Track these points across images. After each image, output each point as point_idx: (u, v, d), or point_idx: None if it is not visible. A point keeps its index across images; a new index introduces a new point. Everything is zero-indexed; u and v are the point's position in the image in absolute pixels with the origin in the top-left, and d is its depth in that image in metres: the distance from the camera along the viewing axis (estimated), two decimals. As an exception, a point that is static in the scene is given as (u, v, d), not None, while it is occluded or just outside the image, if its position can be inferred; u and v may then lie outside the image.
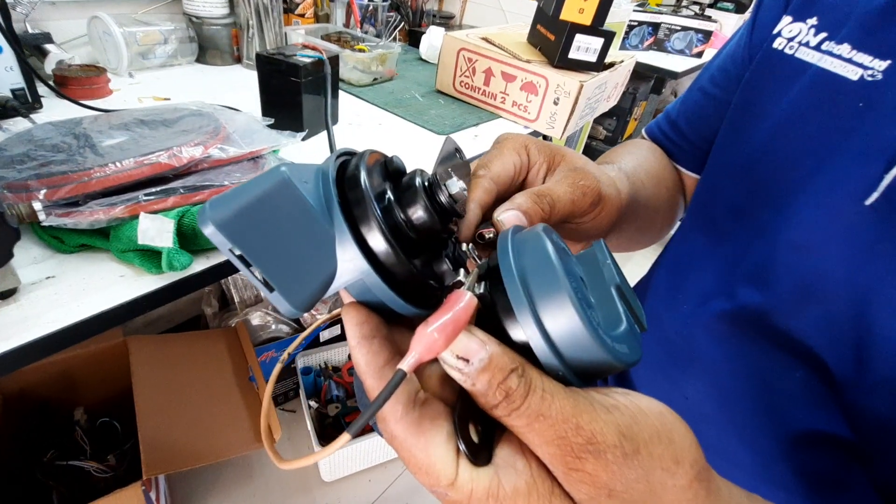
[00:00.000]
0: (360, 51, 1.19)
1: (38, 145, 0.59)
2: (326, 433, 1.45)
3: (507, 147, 0.37)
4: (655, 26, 2.19)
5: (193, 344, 1.29)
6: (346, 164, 0.27)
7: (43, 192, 0.53)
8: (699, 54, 2.23)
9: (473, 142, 1.05)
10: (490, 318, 0.25)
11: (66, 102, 0.86)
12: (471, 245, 0.32)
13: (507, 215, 0.32)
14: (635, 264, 2.59)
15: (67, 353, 1.14)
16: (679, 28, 2.19)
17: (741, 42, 0.56)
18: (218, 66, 1.20)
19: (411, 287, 0.26)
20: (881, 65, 0.40)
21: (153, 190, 0.58)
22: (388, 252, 0.25)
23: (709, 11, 2.40)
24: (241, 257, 0.20)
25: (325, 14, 1.45)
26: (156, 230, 0.55)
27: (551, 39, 1.07)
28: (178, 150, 0.60)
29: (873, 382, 0.40)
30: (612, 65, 1.17)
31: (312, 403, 1.47)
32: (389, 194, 0.27)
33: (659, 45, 2.25)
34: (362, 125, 1.03)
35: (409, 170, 0.30)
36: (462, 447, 0.23)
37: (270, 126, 0.74)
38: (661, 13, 2.20)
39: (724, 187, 0.53)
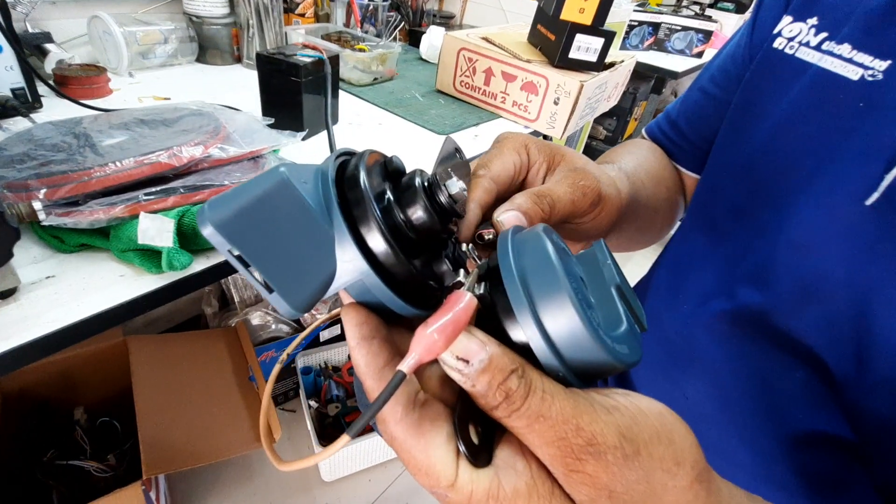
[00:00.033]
0: (361, 50, 1.19)
1: (38, 145, 0.59)
2: (326, 433, 1.45)
3: (507, 146, 0.37)
4: (656, 26, 2.19)
5: (193, 344, 1.29)
6: (346, 165, 0.27)
7: (43, 191, 0.53)
8: (699, 54, 2.23)
9: (473, 141, 1.05)
10: (490, 318, 0.25)
11: (66, 102, 0.85)
12: (471, 245, 0.32)
13: (507, 216, 0.32)
14: (635, 264, 2.59)
15: (67, 352, 1.14)
16: (679, 28, 2.19)
17: (741, 42, 0.56)
18: (218, 65, 1.20)
19: (411, 288, 0.26)
20: (882, 65, 0.40)
21: (153, 189, 0.58)
22: (387, 252, 0.25)
23: (709, 11, 2.41)
24: (240, 258, 0.20)
25: (325, 14, 1.45)
26: (156, 230, 0.55)
27: (552, 39, 1.07)
28: (179, 150, 0.60)
29: (873, 382, 0.40)
30: (612, 65, 1.16)
31: (312, 403, 1.47)
32: (389, 194, 0.27)
33: (659, 45, 2.25)
34: (362, 125, 1.03)
35: (408, 170, 0.30)
36: (462, 448, 0.23)
37: (270, 126, 0.74)
38: (662, 13, 2.20)
39: (725, 187, 0.53)
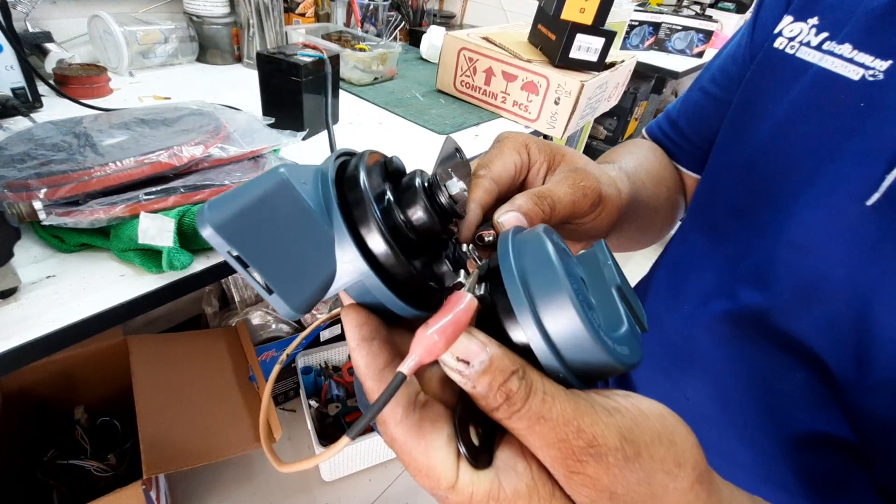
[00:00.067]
0: (361, 50, 1.19)
1: (38, 144, 0.59)
2: (327, 433, 1.45)
3: (507, 146, 0.37)
4: (656, 26, 2.19)
5: (194, 343, 1.29)
6: (346, 165, 0.27)
7: (43, 191, 0.53)
8: (700, 54, 2.23)
9: (474, 141, 1.05)
10: (490, 319, 0.25)
11: (67, 101, 0.86)
12: (471, 246, 0.32)
13: (508, 217, 0.32)
14: (635, 264, 2.59)
15: (67, 352, 1.14)
16: (680, 28, 2.19)
17: (742, 42, 0.56)
18: (218, 65, 1.20)
19: (411, 288, 0.26)
20: (882, 65, 0.40)
21: (153, 189, 0.58)
22: (387, 253, 0.24)
23: (709, 11, 2.41)
24: (239, 259, 0.20)
25: (325, 13, 1.45)
26: (156, 229, 0.55)
27: (552, 39, 1.07)
28: (179, 150, 0.60)
29: (874, 383, 0.40)
30: (612, 64, 1.16)
31: (313, 403, 1.47)
32: (389, 195, 0.27)
33: (660, 45, 2.25)
34: (363, 125, 1.03)
35: (409, 170, 0.30)
36: (462, 450, 0.23)
37: (271, 125, 0.73)
38: (662, 13, 2.20)
39: (725, 187, 0.53)
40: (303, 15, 1.35)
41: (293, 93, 0.85)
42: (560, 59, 1.05)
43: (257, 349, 1.39)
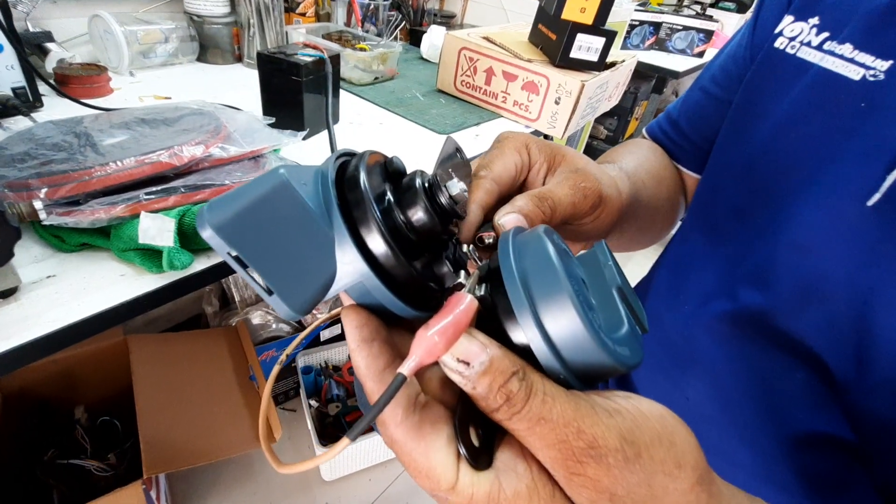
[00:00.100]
0: (362, 50, 1.19)
1: (38, 144, 0.59)
2: (327, 432, 1.45)
3: (508, 146, 0.37)
4: (657, 26, 2.19)
5: (194, 343, 1.29)
6: (346, 166, 0.27)
7: (44, 190, 0.53)
8: (700, 54, 2.23)
9: (474, 141, 1.05)
10: (491, 320, 0.25)
11: (67, 101, 0.86)
12: (471, 246, 0.32)
13: (508, 218, 0.32)
14: (636, 264, 2.59)
15: (68, 351, 1.14)
16: (680, 28, 2.19)
17: (742, 42, 0.56)
18: (219, 64, 1.20)
19: (411, 289, 0.26)
20: (883, 65, 0.40)
21: (154, 189, 0.58)
22: (387, 254, 0.24)
23: (710, 11, 2.40)
24: (239, 261, 0.20)
25: (326, 13, 1.45)
26: (156, 229, 0.55)
27: (553, 39, 1.07)
28: (179, 149, 0.60)
29: (874, 383, 0.40)
30: (613, 64, 1.16)
31: (313, 403, 1.47)
32: (389, 196, 0.27)
33: (660, 45, 2.25)
34: (363, 124, 1.03)
35: (409, 170, 0.30)
36: (462, 451, 0.23)
37: (271, 125, 0.73)
38: (663, 13, 2.20)
39: (725, 187, 0.53)
40: (303, 15, 1.35)
41: (294, 92, 0.85)
42: (561, 58, 1.04)
43: (257, 349, 1.39)
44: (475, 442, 0.24)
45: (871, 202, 0.39)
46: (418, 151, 0.96)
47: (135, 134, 0.63)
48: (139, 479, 0.94)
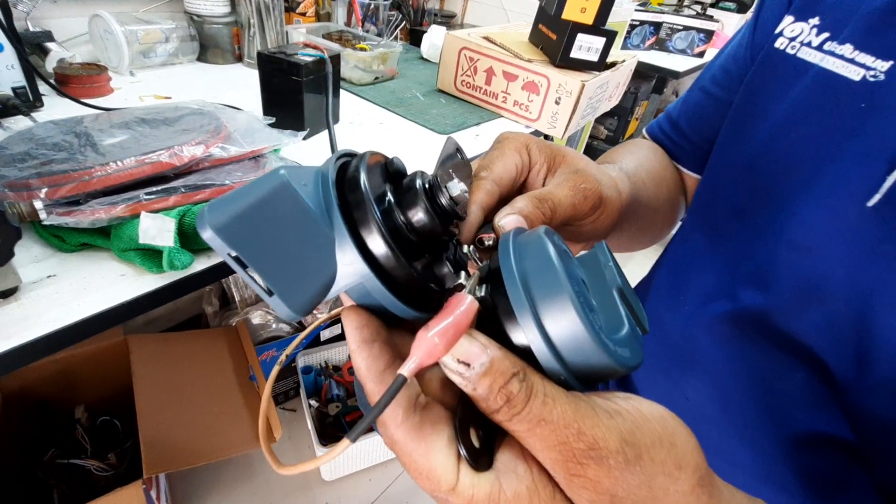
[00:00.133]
0: (362, 50, 1.19)
1: (39, 144, 0.59)
2: (327, 432, 1.45)
3: (508, 147, 0.37)
4: (657, 26, 2.19)
5: (194, 343, 1.29)
6: (347, 166, 0.27)
7: (44, 190, 0.53)
8: (701, 54, 2.23)
9: (475, 141, 1.05)
10: (491, 321, 0.25)
11: (67, 101, 0.86)
12: (472, 247, 0.32)
13: (508, 220, 0.32)
14: (636, 264, 2.59)
15: (68, 351, 1.14)
16: (681, 28, 2.19)
17: (743, 42, 0.56)
18: (219, 64, 1.20)
19: (412, 290, 0.26)
20: (883, 65, 0.40)
21: (154, 189, 0.58)
22: (387, 255, 0.24)
23: (710, 11, 2.40)
24: (240, 262, 0.20)
25: (326, 13, 1.45)
26: (157, 229, 0.55)
27: (553, 39, 1.07)
28: (180, 149, 0.60)
29: (874, 384, 0.40)
30: (613, 64, 1.16)
31: (313, 402, 1.47)
32: (390, 196, 0.27)
33: (661, 45, 2.25)
34: (363, 124, 1.03)
35: (410, 171, 0.30)
36: (463, 452, 0.23)
37: (271, 125, 0.73)
38: (663, 13, 2.20)
39: (725, 187, 0.53)
40: (303, 14, 1.35)
41: (294, 92, 0.85)
42: (561, 58, 1.04)
43: (258, 349, 1.39)
44: (475, 443, 0.24)
45: (871, 203, 0.39)
46: (419, 151, 0.96)
47: (135, 134, 0.63)
48: (139, 478, 0.94)
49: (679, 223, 0.65)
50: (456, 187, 0.28)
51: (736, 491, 0.27)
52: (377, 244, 0.24)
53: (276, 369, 0.33)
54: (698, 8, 2.42)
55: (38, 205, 0.53)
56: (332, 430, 1.46)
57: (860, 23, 0.42)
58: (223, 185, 0.63)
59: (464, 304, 0.23)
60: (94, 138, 0.61)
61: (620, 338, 0.24)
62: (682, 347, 0.55)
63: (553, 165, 0.38)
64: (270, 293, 0.21)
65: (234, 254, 0.20)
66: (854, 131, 0.41)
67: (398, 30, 1.62)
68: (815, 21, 0.46)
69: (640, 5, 2.26)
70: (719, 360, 0.51)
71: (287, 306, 0.21)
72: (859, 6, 0.43)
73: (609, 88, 1.21)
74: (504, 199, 0.34)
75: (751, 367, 0.49)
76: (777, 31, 0.49)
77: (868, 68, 0.41)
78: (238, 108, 0.79)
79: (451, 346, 0.22)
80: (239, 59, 1.23)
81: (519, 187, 0.38)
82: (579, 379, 0.24)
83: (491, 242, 0.32)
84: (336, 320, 1.49)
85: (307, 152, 0.87)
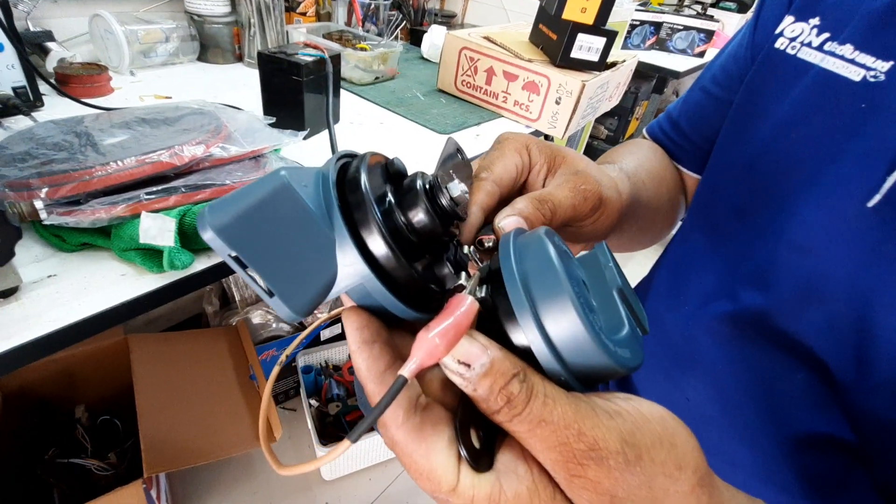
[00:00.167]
0: (362, 49, 1.19)
1: (39, 143, 0.59)
2: (327, 432, 1.45)
3: (508, 147, 0.37)
4: (657, 26, 2.19)
5: (194, 342, 1.29)
6: (347, 167, 0.27)
7: (44, 190, 0.53)
8: (701, 54, 2.23)
9: (475, 141, 1.05)
10: (492, 321, 0.25)
11: (68, 100, 0.86)
12: (472, 248, 0.32)
13: (508, 221, 0.32)
14: (636, 264, 2.59)
15: (68, 350, 1.14)
16: (681, 27, 2.19)
17: (743, 42, 0.56)
18: (219, 64, 1.20)
19: (412, 291, 0.26)
20: (884, 66, 0.40)
21: (155, 189, 0.58)
22: (388, 256, 0.24)
23: (711, 11, 2.40)
24: (240, 263, 0.20)
25: (326, 13, 1.45)
26: (157, 229, 0.55)
27: (553, 39, 1.07)
28: (180, 149, 0.60)
29: (874, 384, 0.40)
30: (614, 64, 1.16)
31: (313, 402, 1.48)
32: (390, 197, 0.27)
33: (661, 45, 2.25)
34: (364, 124, 1.03)
35: (410, 171, 0.30)
36: (463, 453, 0.23)
37: (272, 125, 0.73)
38: (664, 13, 2.20)
39: (726, 187, 0.53)
40: (304, 14, 1.35)
41: (294, 92, 0.85)
42: (561, 58, 1.04)
43: (258, 348, 1.39)
44: (476, 444, 0.24)
45: (871, 203, 0.39)
46: (419, 151, 0.96)
47: (135, 133, 0.63)
48: (139, 478, 0.94)
49: (679, 223, 0.65)
50: (456, 188, 0.28)
51: (736, 491, 0.27)
52: (377, 245, 0.24)
53: (276, 370, 0.33)
54: (699, 8, 2.42)
55: (38, 204, 0.53)
56: (333, 429, 1.47)
57: (860, 23, 0.42)
58: (223, 185, 0.63)
59: (464, 305, 0.23)
60: (95, 138, 0.61)
61: (620, 338, 0.24)
62: (683, 348, 0.55)
63: (553, 166, 0.38)
64: (271, 294, 0.21)
65: (234, 255, 0.20)
66: (854, 132, 0.41)
67: (398, 30, 1.62)
68: (816, 21, 0.46)
69: (640, 5, 2.26)
70: (719, 360, 0.51)
71: (288, 307, 0.21)
72: (859, 6, 0.43)
73: (609, 88, 1.21)
74: (504, 200, 0.34)
75: (751, 368, 0.49)
76: (777, 31, 0.49)
77: (868, 69, 0.41)
78: (238, 108, 0.79)
79: (451, 346, 0.22)
80: (239, 58, 1.23)
81: (519, 188, 0.38)
82: (579, 379, 0.24)
83: (491, 244, 0.32)
84: (336, 320, 1.49)
85: (307, 152, 0.87)
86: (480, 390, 0.22)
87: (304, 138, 0.77)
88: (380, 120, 1.06)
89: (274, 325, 1.50)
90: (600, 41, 1.04)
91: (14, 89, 0.80)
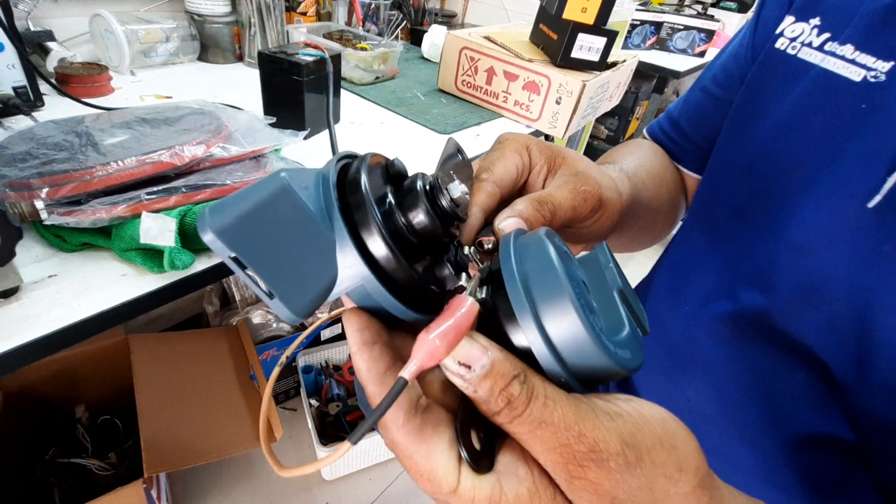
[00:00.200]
0: (363, 49, 1.19)
1: (40, 143, 0.59)
2: (327, 432, 1.45)
3: (509, 148, 0.37)
4: (658, 25, 2.19)
5: (194, 342, 1.29)
6: (347, 168, 0.27)
7: (45, 190, 0.53)
8: (701, 54, 2.22)
9: (475, 141, 1.05)
10: (492, 322, 0.25)
11: (68, 100, 0.86)
12: (472, 249, 0.32)
13: (508, 222, 0.32)
14: (637, 264, 2.59)
15: (69, 350, 1.14)
16: (681, 27, 2.19)
17: (744, 41, 0.56)
18: (220, 64, 1.20)
19: (412, 292, 0.26)
20: (884, 66, 0.40)
21: (155, 189, 0.58)
22: (388, 257, 0.24)
23: (711, 10, 2.40)
24: (241, 264, 0.20)
25: (327, 12, 1.45)
26: (158, 229, 0.55)
27: (554, 39, 1.07)
28: (180, 149, 0.60)
29: (874, 385, 0.40)
30: (614, 64, 1.16)
31: (313, 402, 1.48)
32: (391, 198, 0.27)
33: (661, 45, 2.25)
34: (364, 124, 1.03)
35: (411, 172, 0.30)
36: (464, 454, 0.23)
37: (272, 125, 0.73)
38: (664, 12, 2.20)
39: (726, 188, 0.53)
40: (304, 14, 1.35)
41: (295, 92, 0.85)
42: (562, 58, 1.04)
43: (258, 348, 1.39)
44: (476, 445, 0.24)
45: (871, 204, 0.39)
46: (419, 151, 0.96)
47: (136, 133, 0.63)
48: (140, 478, 0.94)
49: (679, 223, 0.65)
50: (457, 189, 0.28)
51: (736, 492, 0.27)
52: (378, 246, 0.24)
53: (276, 371, 0.33)
54: (699, 7, 2.42)
55: (39, 204, 0.53)
56: (333, 429, 1.47)
57: (861, 23, 0.42)
58: (224, 185, 0.63)
59: (464, 306, 0.23)
60: (95, 138, 0.61)
61: (621, 339, 0.24)
62: (683, 348, 0.55)
63: (553, 167, 0.38)
64: (271, 296, 0.21)
65: (235, 256, 0.20)
66: (854, 132, 0.41)
67: (399, 29, 1.61)
68: (816, 21, 0.46)
69: (640, 5, 2.26)
70: (720, 360, 0.51)
71: (288, 309, 0.21)
72: (860, 6, 0.43)
73: (610, 88, 1.21)
74: (504, 201, 0.34)
75: (751, 368, 0.49)
76: (778, 31, 0.49)
77: (869, 69, 0.41)
78: (239, 108, 0.79)
79: (452, 348, 0.22)
80: (240, 58, 1.23)
81: (519, 189, 0.38)
82: (580, 381, 0.24)
83: (490, 245, 0.32)
84: (336, 319, 1.49)
85: (308, 152, 0.86)
86: (481, 392, 0.22)
87: (305, 138, 0.77)
88: (380, 120, 1.06)
89: (274, 325, 1.51)
90: (601, 41, 1.04)
91: (14, 89, 0.80)
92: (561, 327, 0.23)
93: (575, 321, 0.22)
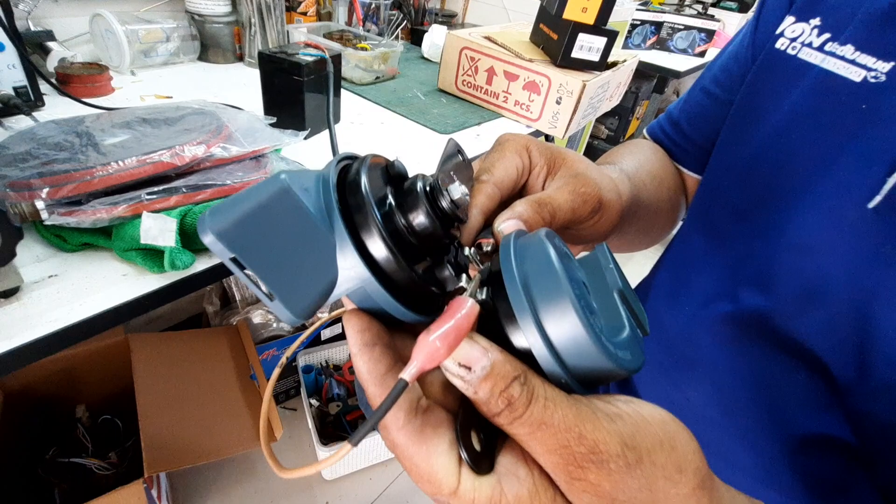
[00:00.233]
0: (363, 49, 1.19)
1: (40, 143, 0.59)
2: (327, 431, 1.45)
3: (509, 149, 0.37)
4: (658, 25, 2.19)
5: (195, 342, 1.29)
6: (348, 169, 0.27)
7: (45, 190, 0.53)
8: (702, 53, 2.22)
9: (475, 141, 1.04)
10: (492, 324, 0.25)
11: (69, 100, 0.86)
12: (472, 250, 0.32)
13: (508, 224, 0.32)
14: (637, 264, 2.59)
15: (69, 350, 1.14)
16: (682, 27, 2.19)
17: (744, 42, 0.56)
18: (220, 64, 1.20)
19: (413, 294, 0.26)
20: (885, 66, 0.40)
21: (155, 189, 0.58)
22: (388, 259, 0.24)
23: (712, 10, 2.40)
24: (241, 266, 0.20)
25: (327, 12, 1.45)
26: (158, 229, 0.55)
27: (554, 38, 1.07)
28: (181, 149, 0.60)
29: (875, 386, 0.40)
30: (614, 64, 1.16)
31: (313, 402, 1.48)
32: (391, 199, 0.27)
33: (662, 45, 2.25)
34: (364, 124, 1.03)
35: (411, 173, 0.30)
36: (464, 455, 0.23)
37: (273, 125, 0.73)
38: (664, 12, 2.19)
39: (726, 188, 0.53)
40: (304, 14, 1.35)
41: (295, 92, 0.85)
42: (562, 58, 1.04)
43: (258, 348, 1.39)
44: (477, 446, 0.24)
45: (871, 204, 0.39)
46: (420, 151, 0.96)
47: (136, 133, 0.63)
48: (140, 477, 0.95)
49: (679, 224, 0.65)
50: (457, 190, 0.28)
51: (737, 493, 0.27)
52: (378, 248, 0.24)
53: (276, 372, 0.33)
54: (699, 7, 2.42)
55: (39, 205, 0.53)
56: (333, 429, 1.47)
57: (861, 24, 0.42)
58: (224, 185, 0.63)
59: (465, 308, 0.23)
60: (96, 138, 0.61)
61: (621, 340, 0.24)
62: (683, 349, 0.55)
63: (553, 168, 0.38)
64: (272, 298, 0.21)
65: (235, 258, 0.20)
66: (855, 132, 0.41)
67: (399, 29, 1.61)
68: (817, 22, 0.46)
69: (641, 5, 2.26)
70: (720, 361, 0.51)
71: (288, 311, 0.21)
72: (860, 7, 0.43)
73: (610, 88, 1.21)
74: (504, 202, 0.34)
75: (752, 369, 0.49)
76: (778, 31, 0.49)
77: (869, 69, 0.41)
78: (239, 108, 0.79)
79: (452, 349, 0.22)
80: (240, 58, 1.23)
81: (519, 190, 0.38)
82: (580, 382, 0.24)
83: (490, 248, 0.32)
84: (337, 319, 1.49)
85: (308, 152, 0.86)
86: (481, 393, 0.22)
87: (305, 138, 0.77)
88: (380, 120, 1.06)
89: (274, 325, 1.51)
90: (601, 41, 1.04)
91: (15, 89, 0.80)
92: (561, 328, 0.23)
93: (575, 322, 0.22)
